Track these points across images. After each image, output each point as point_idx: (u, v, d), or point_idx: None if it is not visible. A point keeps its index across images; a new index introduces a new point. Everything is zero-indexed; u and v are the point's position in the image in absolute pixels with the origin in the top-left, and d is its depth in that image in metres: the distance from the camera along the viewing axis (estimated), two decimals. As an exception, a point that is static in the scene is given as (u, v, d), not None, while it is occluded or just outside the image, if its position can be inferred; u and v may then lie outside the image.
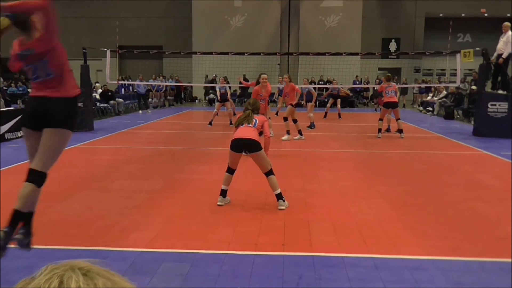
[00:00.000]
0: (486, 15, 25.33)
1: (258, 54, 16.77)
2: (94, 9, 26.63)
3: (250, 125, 5.61)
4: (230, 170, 5.70)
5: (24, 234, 3.36)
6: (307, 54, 17.23)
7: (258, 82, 11.96)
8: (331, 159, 8.98)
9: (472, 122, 13.50)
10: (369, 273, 3.72)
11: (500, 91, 12.24)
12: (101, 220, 5.06)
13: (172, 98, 23.77)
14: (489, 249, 4.29)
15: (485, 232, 4.76)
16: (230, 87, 18.20)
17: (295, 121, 11.03)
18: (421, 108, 20.95)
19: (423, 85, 22.73)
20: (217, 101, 14.60)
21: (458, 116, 16.96)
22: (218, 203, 5.64)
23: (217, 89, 14.65)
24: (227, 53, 15.71)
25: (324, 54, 15.60)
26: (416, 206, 5.68)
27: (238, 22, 25.41)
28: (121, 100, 19.25)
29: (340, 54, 15.84)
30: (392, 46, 26.51)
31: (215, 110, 14.38)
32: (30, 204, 3.37)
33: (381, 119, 12.08)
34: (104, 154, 9.49)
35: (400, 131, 11.80)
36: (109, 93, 18.42)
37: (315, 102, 14.51)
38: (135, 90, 23.13)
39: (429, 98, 20.60)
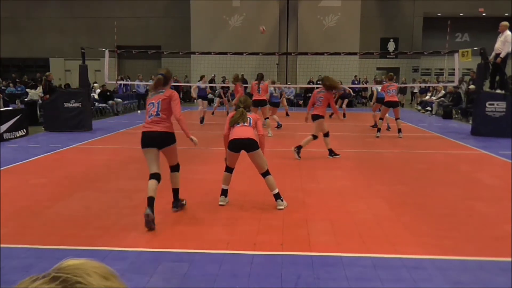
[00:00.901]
0: (484, 14, 25.36)
1: (257, 54, 16.76)
2: (92, 9, 26.59)
3: (246, 124, 5.55)
4: (229, 169, 5.71)
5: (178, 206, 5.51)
6: (306, 54, 17.21)
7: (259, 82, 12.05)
8: (329, 158, 8.98)
9: (470, 122, 13.51)
10: (368, 273, 3.73)
11: (498, 91, 12.26)
12: (99, 220, 5.06)
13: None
14: (488, 248, 4.29)
15: (484, 231, 4.77)
16: (227, 88, 18.27)
17: None
18: (419, 107, 20.97)
19: (421, 85, 22.74)
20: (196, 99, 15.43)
21: (457, 116, 16.97)
22: (219, 203, 5.64)
23: (195, 86, 15.23)
24: (225, 53, 15.70)
25: (322, 54, 15.60)
26: (414, 206, 5.69)
27: (236, 22, 25.39)
28: (119, 100, 19.22)
29: (339, 54, 15.82)
30: (391, 46, 26.52)
31: (200, 107, 14.96)
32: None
33: (381, 119, 12.09)
34: (103, 154, 9.48)
35: (398, 130, 11.80)
36: (108, 93, 18.40)
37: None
38: (134, 90, 23.11)
39: (427, 97, 20.63)
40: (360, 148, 10.33)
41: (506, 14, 23.43)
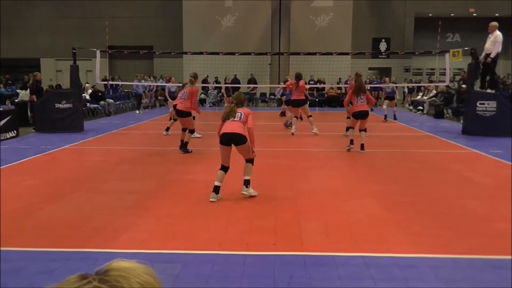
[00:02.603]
0: (474, 15, 25.54)
1: (249, 54, 16.77)
2: (83, 9, 26.43)
3: (235, 119, 5.83)
4: (223, 168, 5.92)
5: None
6: (298, 54, 17.24)
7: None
8: (322, 158, 9.01)
9: (461, 121, 13.61)
10: (360, 272, 3.75)
11: (488, 90, 12.36)
12: (92, 221, 5.04)
13: (163, 98, 23.66)
14: (478, 246, 4.34)
15: (475, 230, 4.81)
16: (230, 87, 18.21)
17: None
18: (411, 107, 21.10)
19: (411, 85, 22.84)
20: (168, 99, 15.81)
21: (448, 115, 17.09)
22: (210, 199, 5.72)
23: (166, 89, 15.33)
24: (217, 53, 15.67)
25: (314, 54, 15.62)
26: (406, 204, 5.72)
27: (228, 22, 25.37)
28: (111, 100, 19.11)
29: (331, 54, 15.85)
30: (382, 46, 26.62)
31: (171, 109, 14.85)
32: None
33: (349, 117, 12.15)
34: (95, 155, 9.44)
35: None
36: (99, 94, 18.30)
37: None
38: (126, 90, 22.96)
39: (419, 97, 20.76)
40: (352, 147, 10.37)
41: (496, 15, 23.62)
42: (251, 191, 5.89)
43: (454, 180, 7.18)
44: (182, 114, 9.29)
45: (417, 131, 13.34)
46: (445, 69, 14.74)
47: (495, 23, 12.14)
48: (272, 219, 5.09)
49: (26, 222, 5.03)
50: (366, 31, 26.02)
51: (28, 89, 14.78)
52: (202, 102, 23.63)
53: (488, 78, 12.60)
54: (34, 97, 13.26)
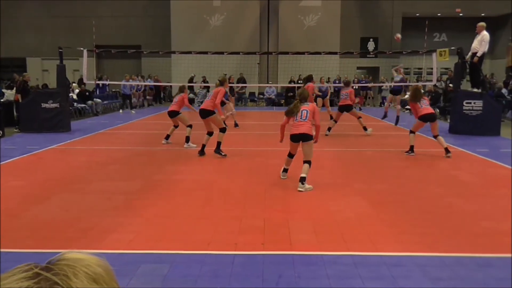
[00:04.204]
0: (461, 15, 25.81)
1: (238, 53, 16.74)
2: (70, 8, 26.16)
3: (303, 118, 6.34)
4: (290, 155, 6.72)
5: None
6: (286, 53, 17.28)
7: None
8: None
9: (448, 120, 13.73)
10: (348, 270, 3.76)
11: (475, 89, 12.49)
12: (79, 222, 4.98)
13: (151, 98, 23.54)
14: (466, 244, 4.37)
15: (462, 228, 4.85)
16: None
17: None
18: (399, 106, 21.22)
19: (399, 84, 22.93)
20: None
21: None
22: (281, 177, 6.82)
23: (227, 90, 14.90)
24: (206, 53, 15.64)
25: (303, 53, 15.67)
26: (394, 203, 5.75)
27: (217, 21, 25.32)
28: (99, 100, 18.94)
29: (319, 53, 15.90)
30: (370, 46, 26.77)
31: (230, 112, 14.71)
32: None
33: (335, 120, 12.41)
34: (82, 155, 9.34)
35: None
36: (87, 93, 18.14)
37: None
38: (114, 90, 22.76)
39: (406, 96, 20.90)
40: (340, 147, 10.41)
41: (482, 15, 23.91)
42: (307, 186, 6.24)
43: (441, 178, 7.24)
44: (205, 113, 8.63)
45: (404, 130, 13.41)
46: (432, 68, 14.88)
47: (483, 23, 12.27)
48: (261, 218, 5.08)
49: (11, 223, 4.95)
50: (354, 31, 26.14)
51: (14, 88, 14.62)
52: (190, 102, 23.57)
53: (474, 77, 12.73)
54: (19, 96, 13.11)
